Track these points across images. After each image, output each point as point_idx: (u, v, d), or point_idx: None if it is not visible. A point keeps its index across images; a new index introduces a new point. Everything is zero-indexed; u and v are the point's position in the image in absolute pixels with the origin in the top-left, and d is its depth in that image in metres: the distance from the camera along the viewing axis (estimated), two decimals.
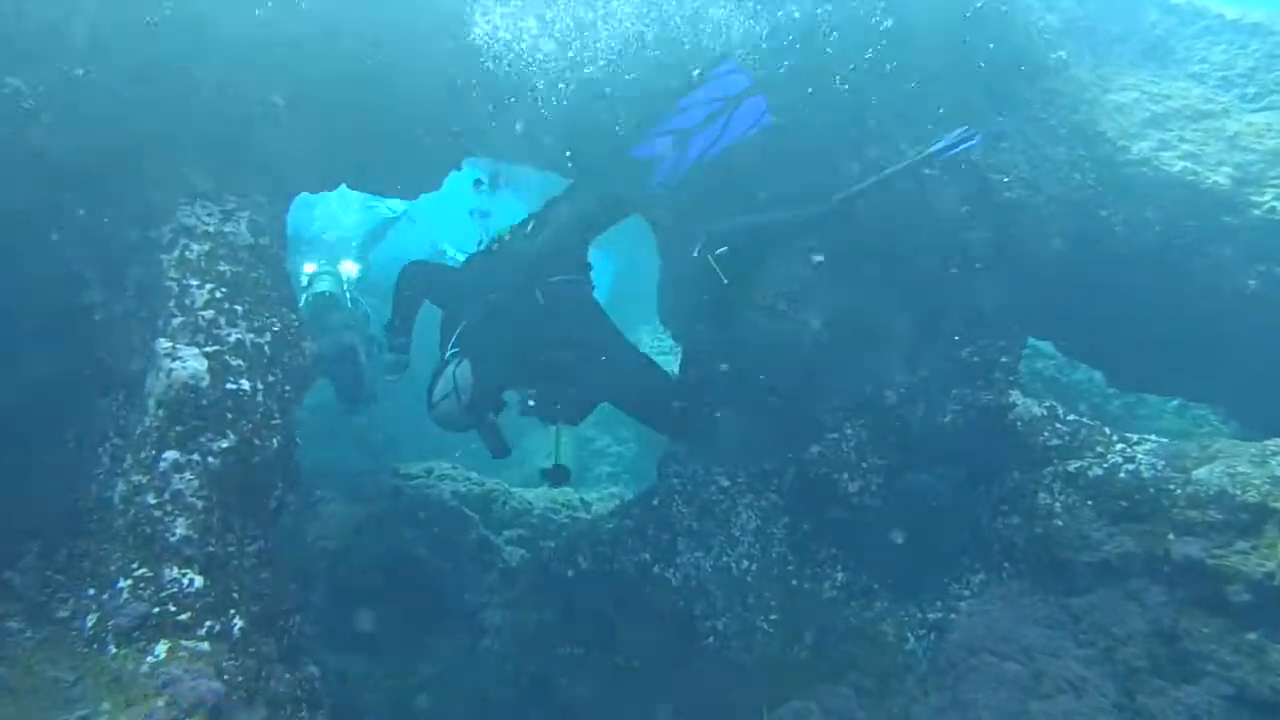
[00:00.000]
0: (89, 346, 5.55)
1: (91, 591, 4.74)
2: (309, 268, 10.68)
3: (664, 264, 8.03)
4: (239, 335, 5.01)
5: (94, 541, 5.02)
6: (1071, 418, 6.23)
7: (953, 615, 6.10)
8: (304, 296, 10.01)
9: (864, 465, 6.77)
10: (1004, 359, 6.80)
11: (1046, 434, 6.18)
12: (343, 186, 7.20)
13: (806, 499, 6.87)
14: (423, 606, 7.21)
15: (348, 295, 10.24)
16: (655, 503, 6.97)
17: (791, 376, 6.95)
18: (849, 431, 6.84)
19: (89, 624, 4.54)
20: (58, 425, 5.62)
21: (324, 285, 10.01)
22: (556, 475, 6.63)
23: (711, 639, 6.51)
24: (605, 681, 6.56)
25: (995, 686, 5.20)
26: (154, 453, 4.71)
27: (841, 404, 6.92)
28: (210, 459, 4.70)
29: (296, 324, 5.46)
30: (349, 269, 11.06)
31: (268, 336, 5.15)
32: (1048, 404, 6.41)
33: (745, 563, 6.78)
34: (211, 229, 5.30)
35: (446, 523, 7.74)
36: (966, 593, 6.29)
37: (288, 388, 5.21)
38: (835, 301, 7.04)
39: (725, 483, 6.97)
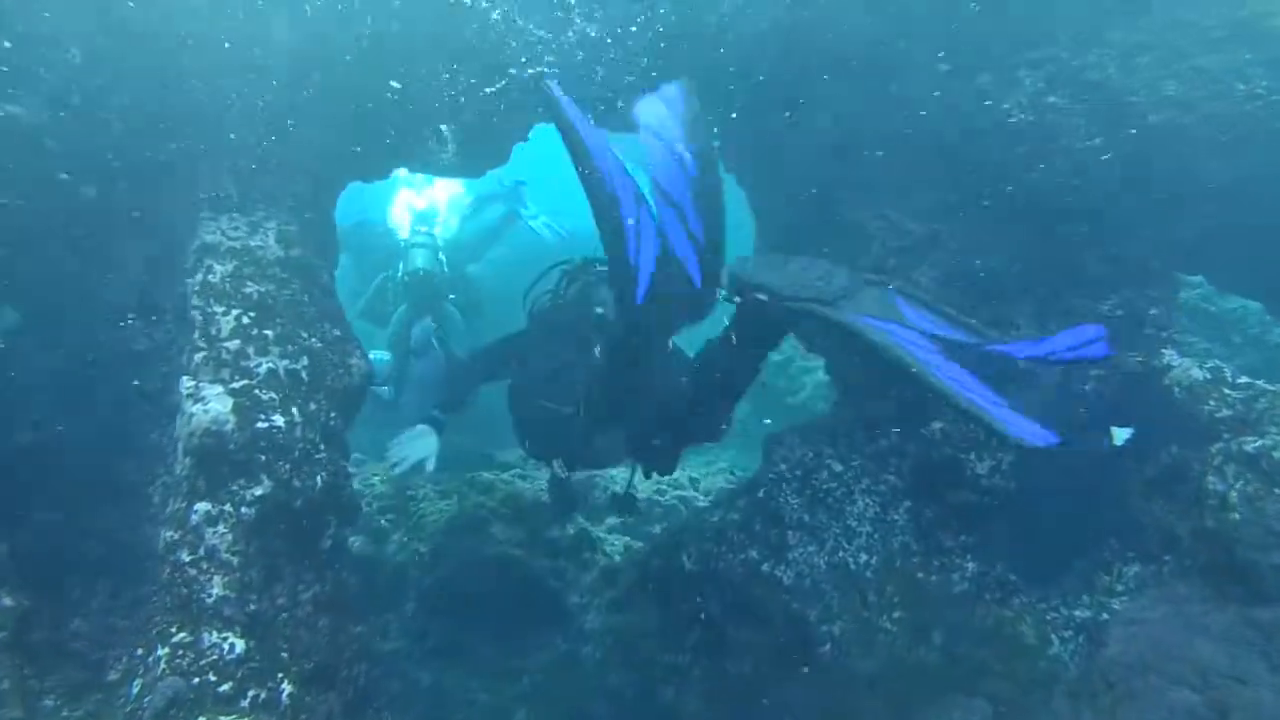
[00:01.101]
0: (135, 376, 5.07)
1: (140, 651, 4.26)
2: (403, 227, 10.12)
3: (759, 228, 7.11)
4: (270, 364, 4.39)
5: (149, 588, 4.57)
6: (1243, 381, 5.13)
7: (1104, 615, 5.15)
8: (400, 271, 9.49)
9: (994, 443, 5.81)
10: (1153, 311, 5.71)
11: (1213, 403, 5.11)
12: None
13: (930, 481, 5.96)
14: (519, 611, 6.63)
15: (444, 264, 9.63)
16: (760, 494, 6.17)
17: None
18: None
19: (133, 692, 4.05)
20: (119, 459, 5.20)
21: (420, 260, 9.43)
22: (624, 505, 5.94)
23: (828, 646, 5.72)
24: (714, 692, 5.87)
25: (1165, 719, 4.26)
26: (185, 505, 4.16)
27: None
28: (244, 509, 4.12)
29: (341, 339, 4.83)
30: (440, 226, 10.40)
31: (304, 361, 4.53)
32: (1211, 364, 5.32)
33: (864, 556, 5.94)
34: (237, 245, 4.68)
35: (543, 516, 7.11)
36: (1119, 587, 5.33)
37: (333, 414, 4.60)
38: (948, 255, 6.05)
39: (838, 467, 6.11)
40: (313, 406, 4.48)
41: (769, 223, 6.95)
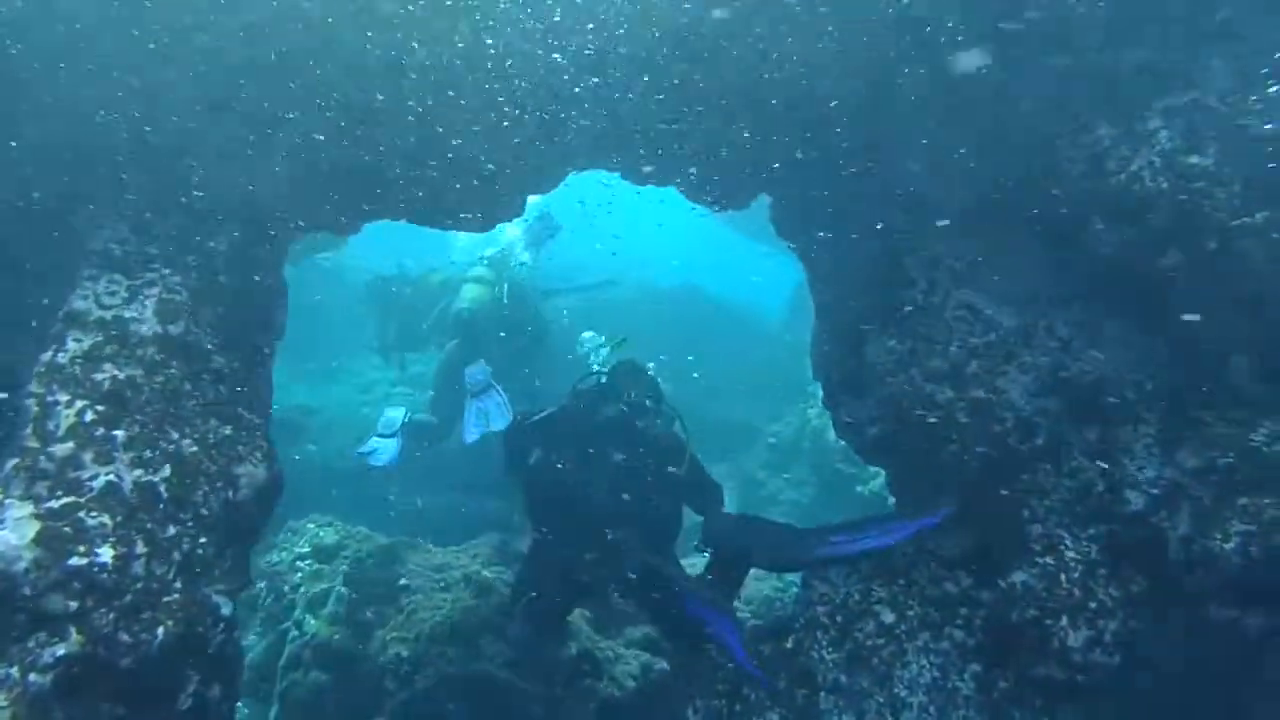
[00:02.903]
0: None
1: None
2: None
3: (819, 311, 5.67)
4: (111, 476, 3.21)
5: None
6: None
7: None
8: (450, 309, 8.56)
9: (1093, 605, 4.24)
10: None
11: None
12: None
13: (1007, 645, 4.42)
14: None
15: (503, 297, 8.63)
16: (790, 643, 4.71)
17: (983, 470, 4.51)
18: (1070, 553, 4.33)
19: None
20: None
21: (468, 296, 8.52)
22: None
23: None
24: None
25: None
26: None
27: (1059, 510, 4.42)
28: (34, 676, 2.92)
29: (231, 439, 3.62)
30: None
31: (166, 471, 3.33)
32: None
33: None
34: (108, 315, 3.53)
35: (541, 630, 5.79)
36: None
37: (203, 540, 3.38)
38: (1047, 357, 4.52)
39: (889, 617, 4.61)
40: (171, 531, 3.28)
41: (827, 301, 5.50)
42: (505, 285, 8.68)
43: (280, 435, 9.49)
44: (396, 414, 7.98)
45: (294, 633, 6.34)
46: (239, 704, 6.37)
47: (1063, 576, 4.27)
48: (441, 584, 6.38)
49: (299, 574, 6.75)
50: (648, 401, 5.31)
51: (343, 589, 6.35)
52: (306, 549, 6.98)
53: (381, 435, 7.90)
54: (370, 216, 4.94)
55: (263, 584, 6.90)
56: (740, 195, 5.14)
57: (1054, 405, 4.41)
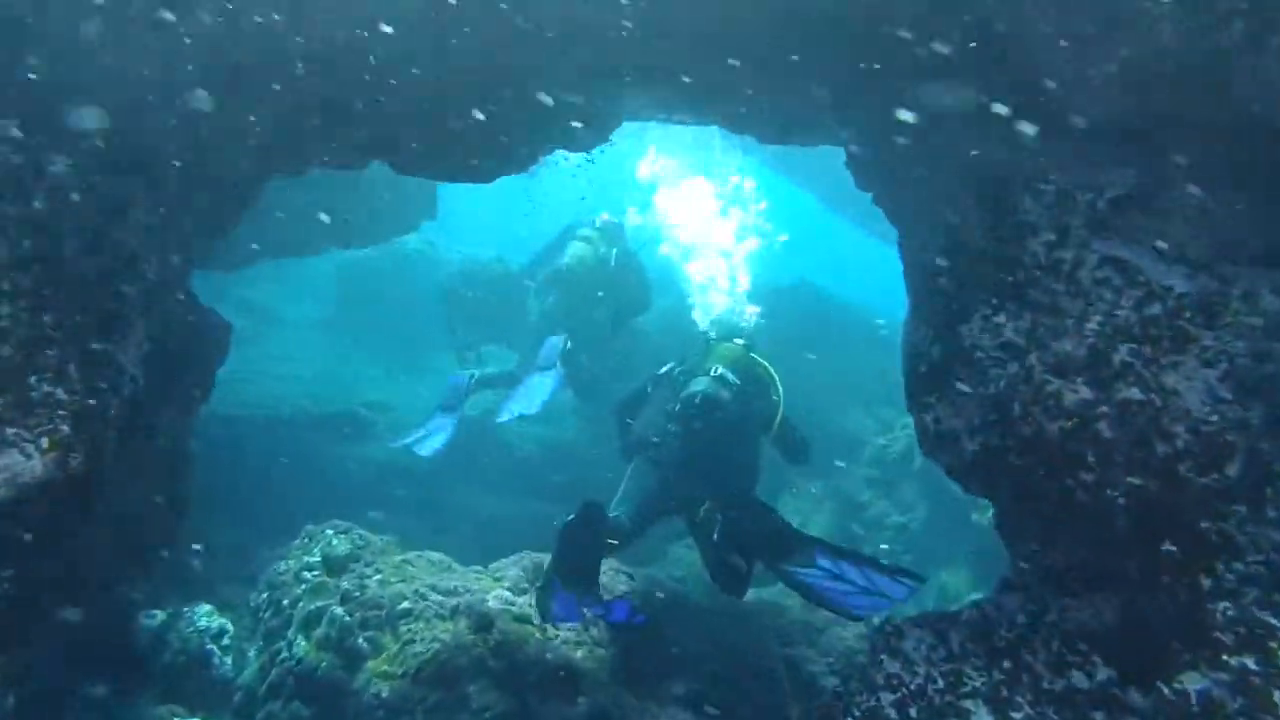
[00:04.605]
0: None
1: None
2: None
3: (907, 281, 4.10)
4: None
5: None
6: None
7: None
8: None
9: None
10: None
11: None
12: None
13: None
14: None
15: (610, 256, 8.00)
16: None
17: (1138, 511, 2.86)
18: (1230, 610, 2.65)
19: None
20: None
21: (570, 254, 7.93)
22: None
23: None
24: None
25: None
26: None
27: (1262, 581, 2.73)
28: None
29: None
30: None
31: None
32: None
33: None
34: None
35: (544, 680, 4.44)
36: None
37: None
38: (1245, 342, 2.83)
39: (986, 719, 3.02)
40: None
41: (916, 265, 3.91)
42: (615, 250, 8.07)
43: (346, 432, 8.70)
44: (558, 340, 7.27)
45: (284, 654, 5.25)
46: None
47: (1275, 692, 2.58)
48: (448, 611, 5.14)
49: (303, 585, 5.67)
50: (729, 374, 5.49)
51: (338, 609, 5.21)
52: (316, 558, 5.88)
53: (543, 368, 7.24)
54: (335, 159, 3.74)
55: (265, 595, 5.87)
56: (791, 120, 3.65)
57: (1255, 415, 2.73)
